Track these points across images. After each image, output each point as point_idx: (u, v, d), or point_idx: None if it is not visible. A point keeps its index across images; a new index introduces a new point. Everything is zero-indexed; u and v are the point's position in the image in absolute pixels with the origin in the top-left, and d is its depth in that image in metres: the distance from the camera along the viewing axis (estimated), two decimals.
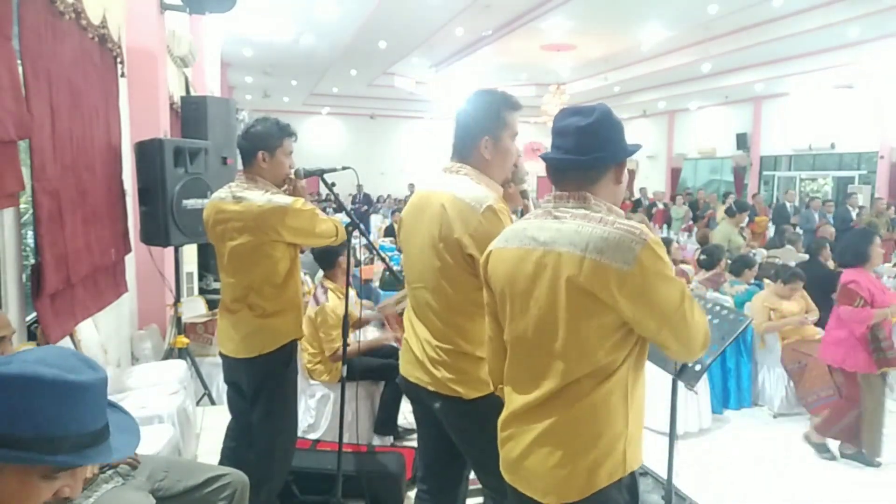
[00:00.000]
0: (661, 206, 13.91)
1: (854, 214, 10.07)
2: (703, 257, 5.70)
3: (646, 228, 1.41)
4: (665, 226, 12.85)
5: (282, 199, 2.48)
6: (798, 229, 9.25)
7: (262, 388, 2.61)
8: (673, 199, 13.33)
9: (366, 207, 14.73)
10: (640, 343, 1.47)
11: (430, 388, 1.97)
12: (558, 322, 1.43)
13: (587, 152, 1.47)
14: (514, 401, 1.56)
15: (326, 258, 3.82)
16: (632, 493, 1.49)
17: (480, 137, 1.93)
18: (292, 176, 2.63)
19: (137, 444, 1.22)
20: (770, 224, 10.93)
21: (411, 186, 17.58)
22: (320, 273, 4.08)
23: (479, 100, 1.97)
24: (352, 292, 3.48)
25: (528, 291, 1.48)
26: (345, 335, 2.76)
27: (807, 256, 6.66)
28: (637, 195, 15.68)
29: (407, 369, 2.09)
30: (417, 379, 2.02)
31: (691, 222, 12.12)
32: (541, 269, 1.44)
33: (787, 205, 11.07)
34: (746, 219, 8.73)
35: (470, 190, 1.88)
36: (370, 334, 4.27)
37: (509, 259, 1.53)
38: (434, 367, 1.95)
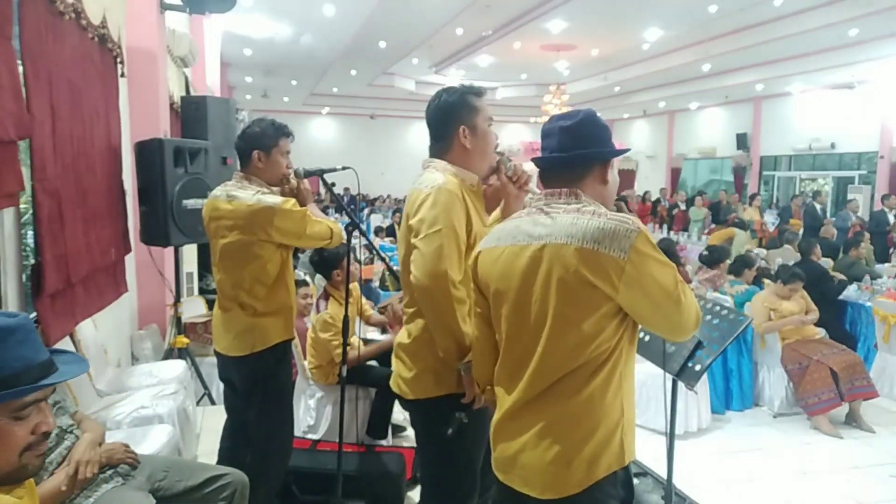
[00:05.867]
0: (682, 206, 13.50)
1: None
2: (705, 253, 5.67)
3: (636, 218, 1.46)
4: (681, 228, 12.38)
5: (272, 199, 2.46)
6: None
7: (254, 387, 2.61)
8: (692, 199, 13.15)
9: (351, 208, 14.71)
10: (631, 329, 1.49)
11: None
12: (556, 314, 1.44)
13: (569, 149, 1.52)
14: (507, 400, 1.55)
15: (324, 268, 3.65)
16: (626, 489, 1.50)
17: (457, 128, 1.95)
18: (291, 176, 2.62)
19: (87, 367, 1.36)
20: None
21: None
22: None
23: (443, 96, 1.99)
24: (356, 291, 3.43)
25: (523, 287, 1.49)
26: (345, 337, 2.75)
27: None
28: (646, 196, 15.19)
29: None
30: None
31: (713, 225, 11.59)
32: (536, 263, 1.46)
33: (818, 207, 11.14)
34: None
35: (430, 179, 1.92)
36: (369, 335, 4.20)
37: (502, 257, 1.54)
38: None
